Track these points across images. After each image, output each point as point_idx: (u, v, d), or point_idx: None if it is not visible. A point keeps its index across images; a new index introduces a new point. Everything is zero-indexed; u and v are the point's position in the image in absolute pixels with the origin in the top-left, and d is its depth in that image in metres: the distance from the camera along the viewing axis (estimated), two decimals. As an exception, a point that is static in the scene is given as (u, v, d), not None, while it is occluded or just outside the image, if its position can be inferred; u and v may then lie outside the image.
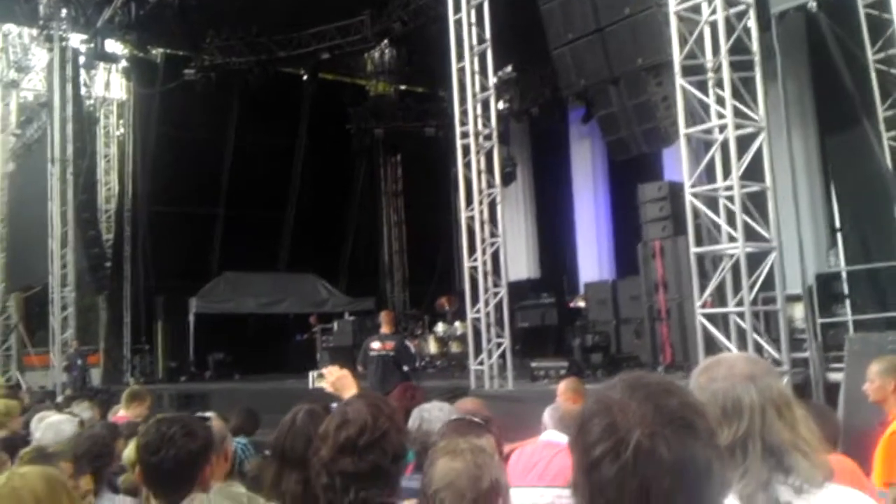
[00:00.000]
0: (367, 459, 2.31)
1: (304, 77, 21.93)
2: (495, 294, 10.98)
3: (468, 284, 11.21)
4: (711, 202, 8.37)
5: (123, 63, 20.53)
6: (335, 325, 18.31)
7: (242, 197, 21.10)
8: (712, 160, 8.31)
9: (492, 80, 11.47)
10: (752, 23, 8.34)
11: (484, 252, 11.00)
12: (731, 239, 8.09)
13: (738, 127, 8.11)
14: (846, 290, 9.33)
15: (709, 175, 8.45)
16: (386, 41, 21.24)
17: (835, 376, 8.08)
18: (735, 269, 8.07)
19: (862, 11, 8.86)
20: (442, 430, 3.26)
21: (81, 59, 19.55)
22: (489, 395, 9.70)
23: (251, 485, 3.17)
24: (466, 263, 11.19)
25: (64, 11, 19.00)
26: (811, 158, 10.74)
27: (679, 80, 8.41)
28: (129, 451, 4.19)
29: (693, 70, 8.41)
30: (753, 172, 8.20)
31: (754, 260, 8.11)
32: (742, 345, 7.77)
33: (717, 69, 8.17)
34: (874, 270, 9.18)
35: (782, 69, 8.64)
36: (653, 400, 1.29)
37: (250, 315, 20.61)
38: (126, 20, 17.77)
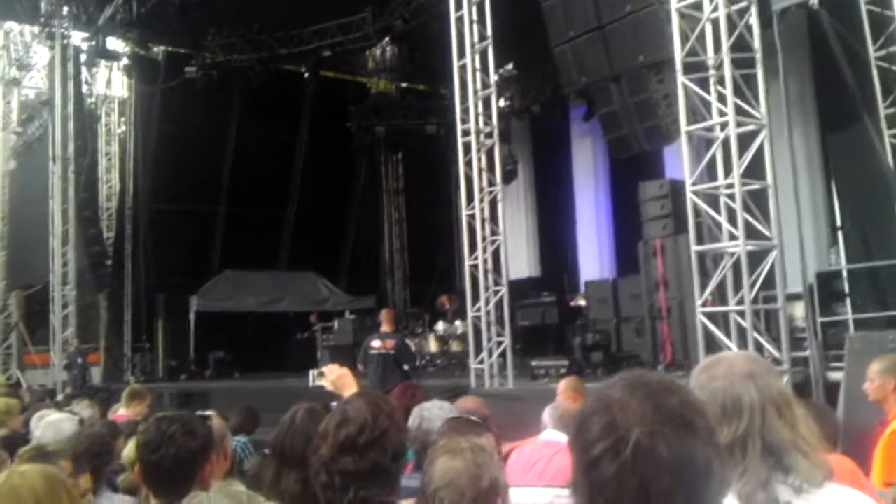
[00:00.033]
0: (368, 458, 2.30)
1: (306, 74, 21.93)
2: (496, 292, 10.97)
3: (469, 283, 11.20)
4: (712, 200, 8.36)
5: (125, 61, 20.54)
6: (335, 323, 18.31)
7: (243, 195, 21.09)
8: (713, 158, 8.30)
9: (493, 77, 11.46)
10: (753, 20, 8.33)
11: (485, 250, 10.99)
12: (732, 237, 8.08)
13: (739, 124, 8.10)
14: (847, 288, 9.32)
15: (710, 173, 8.44)
16: (387, 39, 21.22)
17: (835, 375, 8.07)
18: (736, 267, 8.06)
19: (864, 8, 8.84)
20: (441, 429, 3.26)
21: (83, 57, 19.61)
22: (489, 394, 9.69)
23: (251, 484, 3.17)
24: (467, 262, 11.18)
25: (65, 9, 19.02)
26: (812, 156, 10.73)
27: (680, 78, 8.40)
28: (128, 450, 4.19)
29: (694, 67, 8.40)
30: (754, 170, 8.19)
31: (755, 258, 8.10)
32: (742, 343, 7.77)
33: (719, 66, 8.16)
34: (875, 269, 9.16)
35: (784, 66, 8.63)
36: (652, 398, 1.28)
37: (251, 313, 20.61)
38: (127, 18, 17.79)
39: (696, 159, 8.55)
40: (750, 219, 8.07)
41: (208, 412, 3.61)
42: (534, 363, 11.62)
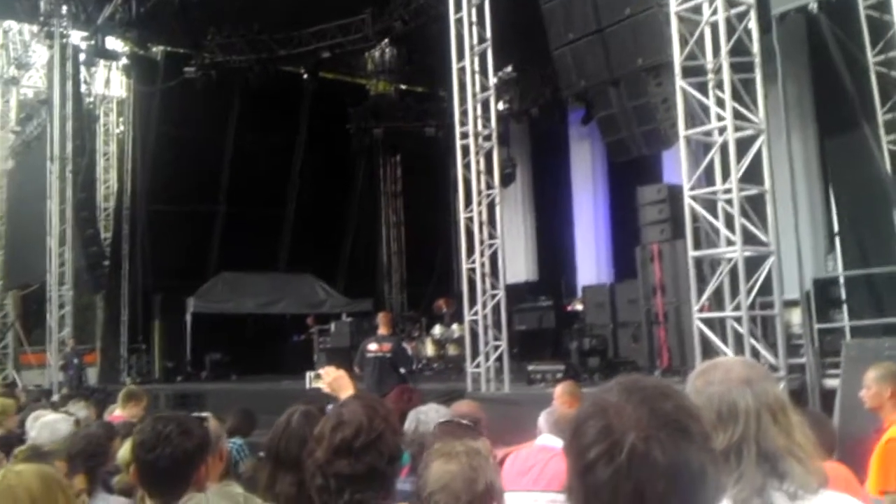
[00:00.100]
0: (363, 461, 2.30)
1: (305, 76, 21.90)
2: (493, 296, 10.96)
3: (466, 286, 11.19)
4: (710, 205, 8.36)
5: (124, 60, 20.52)
6: (332, 326, 18.29)
7: (242, 196, 21.06)
8: (711, 163, 8.30)
9: (492, 80, 11.46)
10: (752, 24, 8.33)
11: (482, 254, 10.98)
12: (730, 243, 8.08)
13: (737, 129, 8.10)
14: (843, 295, 9.31)
15: (708, 178, 8.44)
16: (386, 40, 21.20)
17: (831, 382, 8.07)
18: (733, 273, 8.06)
19: (863, 13, 8.84)
20: (433, 434, 3.26)
21: (82, 57, 19.57)
22: (485, 398, 9.68)
23: (246, 486, 3.16)
24: (464, 265, 11.17)
25: (64, 8, 19.01)
26: (810, 162, 10.73)
27: (679, 82, 8.40)
28: (123, 452, 4.18)
29: (693, 71, 8.40)
30: (752, 175, 8.19)
31: (752, 264, 8.10)
32: (739, 350, 7.76)
33: (718, 70, 8.16)
34: (872, 276, 9.15)
35: (782, 71, 8.62)
36: (648, 403, 1.28)
37: (248, 315, 20.61)
38: (127, 17, 17.77)
39: (695, 164, 8.55)
40: (747, 224, 8.07)
41: (204, 414, 3.61)
42: (530, 367, 11.61)
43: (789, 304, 8.76)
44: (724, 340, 8.02)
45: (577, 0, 10.99)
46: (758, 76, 8.33)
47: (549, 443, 4.15)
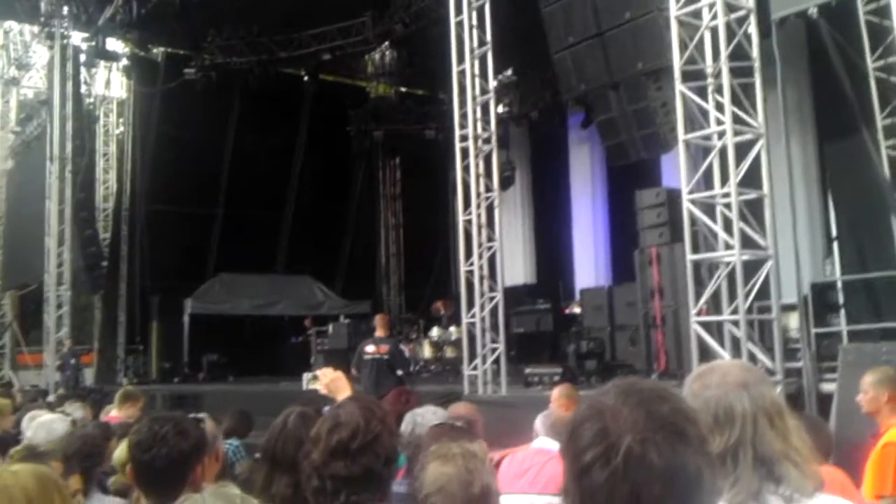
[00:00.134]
0: (360, 463, 2.30)
1: (305, 78, 21.91)
2: (491, 299, 10.96)
3: (464, 289, 11.20)
4: (709, 209, 8.37)
5: (124, 61, 20.49)
6: (330, 327, 18.27)
7: (241, 197, 21.07)
8: (710, 167, 8.31)
9: (492, 83, 11.47)
10: (752, 29, 8.34)
11: (480, 256, 10.98)
12: (728, 246, 8.08)
13: (736, 133, 8.10)
14: (841, 299, 9.31)
15: (706, 182, 8.44)
16: (387, 43, 21.23)
17: (828, 387, 8.06)
18: (731, 276, 8.06)
19: (862, 18, 8.85)
20: (427, 436, 3.26)
21: (82, 57, 19.56)
22: (482, 401, 9.66)
23: (242, 487, 3.16)
24: (462, 267, 11.17)
25: (65, 9, 19.00)
26: (809, 166, 10.73)
27: (679, 86, 8.41)
28: (119, 452, 4.18)
29: (693, 75, 8.41)
30: (751, 179, 8.19)
31: (750, 268, 8.10)
32: (736, 353, 7.76)
33: (717, 75, 8.17)
34: (870, 280, 9.15)
35: (782, 76, 8.63)
36: (645, 406, 1.28)
37: (245, 317, 20.60)
38: (127, 19, 17.77)
39: (693, 168, 8.55)
40: (746, 228, 8.08)
41: (201, 415, 3.60)
42: (527, 370, 11.61)
43: (787, 308, 8.76)
44: (722, 344, 8.03)
45: (577, 4, 10.99)
46: (757, 81, 8.33)
47: (545, 445, 4.15)
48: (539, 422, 4.39)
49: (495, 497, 2.40)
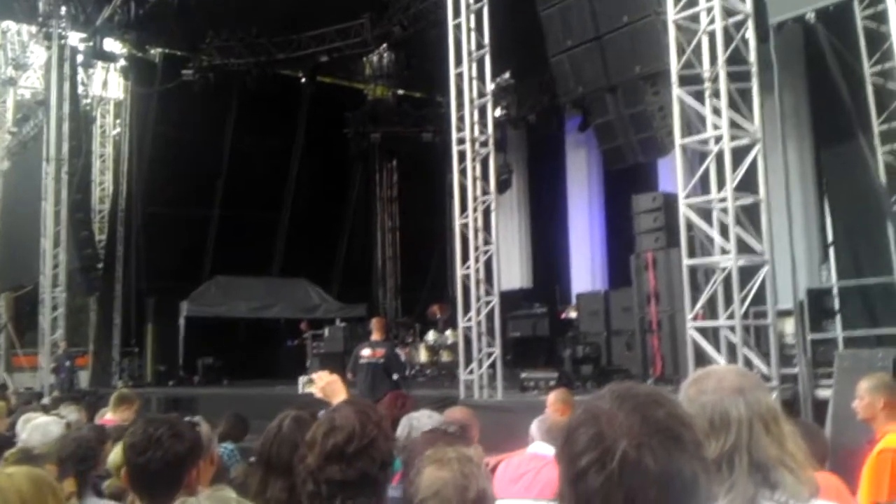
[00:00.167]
0: (356, 467, 2.29)
1: (303, 80, 21.94)
2: (487, 303, 10.96)
3: (460, 292, 11.19)
4: (705, 214, 8.38)
5: (122, 62, 20.54)
6: (326, 331, 18.24)
7: (238, 199, 21.07)
8: (707, 171, 8.32)
9: (489, 86, 11.48)
10: (750, 33, 8.35)
11: (477, 260, 10.99)
12: (724, 252, 8.09)
13: (733, 138, 8.12)
14: (837, 305, 9.32)
15: (703, 186, 8.45)
16: (385, 45, 21.26)
17: (824, 393, 8.06)
18: (727, 282, 8.07)
19: (860, 24, 8.86)
20: (419, 442, 3.25)
21: (79, 58, 19.57)
22: (478, 405, 9.67)
23: (237, 491, 3.15)
24: (459, 271, 11.17)
25: (63, 9, 19.01)
26: (806, 171, 10.76)
27: (676, 90, 8.43)
28: (114, 456, 4.16)
29: (690, 80, 8.42)
30: (748, 184, 8.20)
31: (746, 273, 8.11)
32: (732, 359, 7.76)
33: (714, 79, 8.18)
34: (866, 286, 9.16)
35: (779, 81, 8.62)
36: (640, 411, 1.28)
37: (241, 320, 20.57)
38: (125, 19, 17.78)
39: (690, 172, 8.56)
40: (742, 233, 8.09)
41: (196, 418, 3.60)
42: (523, 375, 11.61)
43: (783, 313, 8.77)
44: (718, 349, 8.03)
45: (575, 7, 10.99)
46: (754, 85, 8.35)
47: (541, 450, 4.15)
48: (535, 426, 4.38)
49: (491, 502, 2.39)
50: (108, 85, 22.05)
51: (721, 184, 8.15)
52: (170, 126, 20.18)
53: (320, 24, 19.34)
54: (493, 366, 10.73)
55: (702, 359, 7.97)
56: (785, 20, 8.53)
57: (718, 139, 8.15)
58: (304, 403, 3.51)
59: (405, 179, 25.61)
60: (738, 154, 8.16)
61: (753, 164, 8.19)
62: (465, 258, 11.09)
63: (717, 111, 8.16)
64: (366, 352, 9.82)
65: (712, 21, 8.21)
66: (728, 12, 8.26)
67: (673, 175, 9.20)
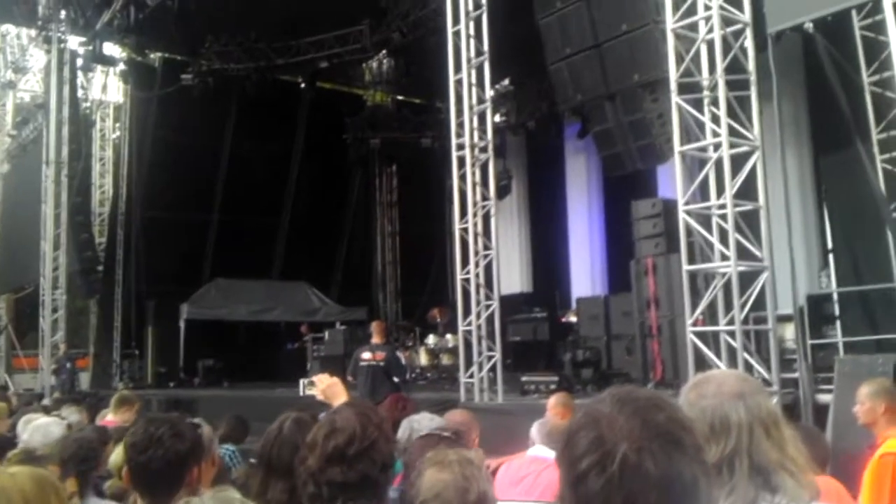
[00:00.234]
0: (356, 469, 2.29)
1: (302, 85, 21.96)
2: (487, 307, 10.96)
3: (460, 297, 11.20)
4: (705, 220, 8.38)
5: (121, 66, 20.52)
6: (326, 334, 18.26)
7: (237, 203, 21.07)
8: (706, 178, 8.33)
9: (489, 92, 11.49)
10: (748, 42, 8.37)
11: (477, 264, 10.99)
12: (724, 257, 8.10)
13: (732, 146, 8.12)
14: (837, 311, 9.34)
15: (702, 193, 8.47)
16: (384, 51, 21.27)
17: (824, 398, 8.07)
18: (727, 287, 8.07)
19: (858, 33, 8.89)
20: (417, 446, 3.26)
21: (79, 62, 19.59)
22: (479, 409, 9.66)
23: (238, 492, 3.16)
24: (459, 276, 11.18)
25: (63, 13, 19.03)
26: (805, 179, 10.78)
27: (675, 98, 8.44)
28: (115, 456, 4.17)
29: (689, 88, 8.43)
30: (747, 191, 8.22)
31: (746, 279, 8.12)
32: (732, 364, 7.76)
33: (713, 88, 8.20)
34: (865, 292, 9.18)
35: (778, 89, 8.65)
36: (641, 414, 1.29)
37: (241, 322, 20.56)
38: (125, 23, 17.78)
39: (689, 179, 8.58)
40: (741, 240, 8.10)
41: (196, 419, 3.61)
42: (524, 378, 11.61)
43: (783, 319, 8.78)
44: (718, 354, 8.03)
45: (574, 15, 11.02)
46: (753, 94, 8.36)
47: (541, 453, 4.16)
48: (535, 430, 4.39)
49: (492, 504, 2.40)
50: (108, 89, 22.04)
51: (720, 191, 8.16)
52: (169, 130, 20.19)
53: (320, 29, 19.34)
54: (493, 369, 10.72)
55: (702, 363, 7.97)
56: (783, 29, 8.56)
57: (717, 147, 8.16)
58: (305, 405, 3.52)
59: (405, 184, 25.62)
60: (738, 161, 8.18)
61: (753, 171, 8.20)
62: (464, 262, 11.09)
63: (716, 119, 8.17)
64: (366, 355, 9.83)
65: (711, 30, 8.22)
66: (727, 21, 8.28)
67: (672, 181, 9.22)
